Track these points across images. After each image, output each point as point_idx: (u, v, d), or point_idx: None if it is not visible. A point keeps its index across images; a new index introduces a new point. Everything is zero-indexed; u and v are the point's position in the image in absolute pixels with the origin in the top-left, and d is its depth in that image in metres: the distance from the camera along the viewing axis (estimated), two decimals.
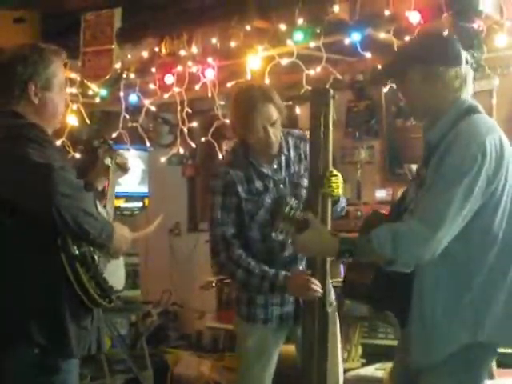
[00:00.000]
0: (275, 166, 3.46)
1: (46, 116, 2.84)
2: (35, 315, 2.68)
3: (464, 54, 2.70)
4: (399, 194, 5.05)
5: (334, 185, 3.20)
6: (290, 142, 3.52)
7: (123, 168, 3.38)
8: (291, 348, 3.66)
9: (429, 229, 2.49)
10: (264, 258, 3.40)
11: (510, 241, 2.62)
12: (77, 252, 2.71)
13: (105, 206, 3.11)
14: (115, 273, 2.97)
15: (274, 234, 2.98)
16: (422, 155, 2.78)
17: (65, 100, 2.95)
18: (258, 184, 3.42)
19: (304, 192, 3.42)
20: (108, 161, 3.28)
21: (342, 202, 3.49)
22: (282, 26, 4.29)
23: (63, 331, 2.71)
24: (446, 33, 3.15)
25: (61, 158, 2.75)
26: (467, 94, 2.71)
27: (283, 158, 3.47)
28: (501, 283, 2.61)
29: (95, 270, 2.79)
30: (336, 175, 3.25)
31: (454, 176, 2.52)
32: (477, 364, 2.65)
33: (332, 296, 3.50)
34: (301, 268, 3.44)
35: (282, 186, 3.44)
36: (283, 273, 3.33)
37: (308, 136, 3.32)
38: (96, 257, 2.81)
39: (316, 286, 3.23)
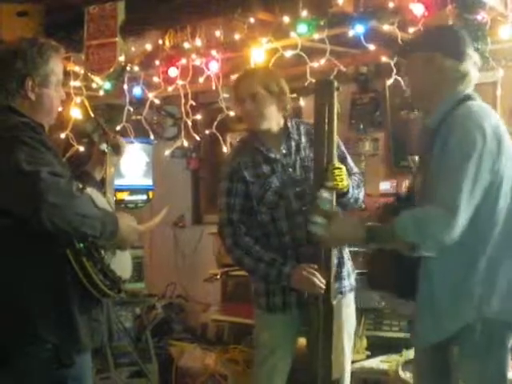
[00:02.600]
0: (284, 151, 3.54)
1: (42, 112, 2.82)
2: (44, 312, 2.68)
3: (471, 54, 2.83)
4: (404, 185, 5.09)
5: (337, 177, 3.21)
6: (302, 128, 3.61)
7: (117, 150, 3.26)
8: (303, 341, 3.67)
9: (448, 212, 2.58)
10: (274, 240, 3.47)
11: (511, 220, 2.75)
12: (81, 246, 2.69)
13: (104, 194, 3.08)
14: (122, 262, 2.95)
15: (309, 227, 2.92)
16: (424, 142, 2.91)
17: (61, 96, 2.91)
18: (266, 168, 3.51)
19: None
20: (104, 146, 3.21)
21: (355, 194, 3.50)
22: (286, 19, 4.27)
23: (74, 326, 2.71)
24: (458, 29, 3.23)
25: (53, 160, 2.68)
26: (466, 88, 2.83)
27: (293, 142, 3.56)
28: (505, 261, 2.74)
29: (102, 263, 2.77)
30: (340, 168, 3.25)
31: (459, 160, 2.62)
32: (496, 339, 2.76)
33: (348, 285, 3.56)
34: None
35: (290, 169, 3.51)
36: (291, 263, 3.36)
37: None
38: (101, 249, 2.78)
39: (320, 281, 3.25)
